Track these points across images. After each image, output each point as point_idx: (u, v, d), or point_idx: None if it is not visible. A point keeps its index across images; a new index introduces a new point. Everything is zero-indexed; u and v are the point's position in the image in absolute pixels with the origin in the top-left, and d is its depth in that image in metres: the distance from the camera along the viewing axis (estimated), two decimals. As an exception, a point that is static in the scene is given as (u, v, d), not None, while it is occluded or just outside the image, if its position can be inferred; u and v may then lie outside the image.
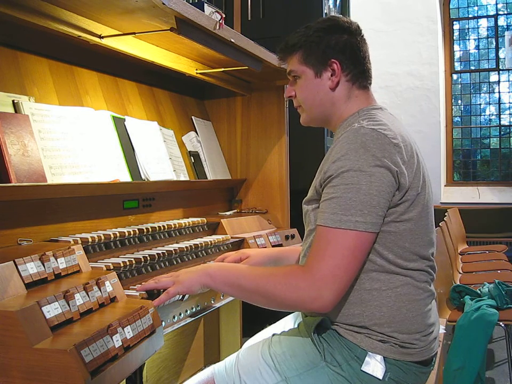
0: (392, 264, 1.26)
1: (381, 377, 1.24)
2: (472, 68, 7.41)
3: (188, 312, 1.60)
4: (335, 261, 1.18)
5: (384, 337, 1.26)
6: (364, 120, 1.30)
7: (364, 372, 1.25)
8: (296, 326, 1.44)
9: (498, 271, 3.85)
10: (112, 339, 1.05)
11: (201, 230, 2.04)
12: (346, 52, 1.37)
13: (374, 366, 1.25)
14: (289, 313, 1.66)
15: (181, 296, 1.47)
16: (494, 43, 7.24)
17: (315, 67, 1.38)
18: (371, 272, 1.26)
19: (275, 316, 1.68)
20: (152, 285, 1.38)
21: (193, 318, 1.63)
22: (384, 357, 1.25)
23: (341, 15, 1.41)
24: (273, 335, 1.40)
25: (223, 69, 2.19)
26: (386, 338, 1.26)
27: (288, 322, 1.60)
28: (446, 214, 4.46)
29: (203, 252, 1.88)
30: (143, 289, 1.37)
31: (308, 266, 1.21)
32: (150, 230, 1.72)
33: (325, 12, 3.23)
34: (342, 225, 1.18)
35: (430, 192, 1.34)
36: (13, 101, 1.46)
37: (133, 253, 1.65)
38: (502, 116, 7.24)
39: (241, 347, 1.54)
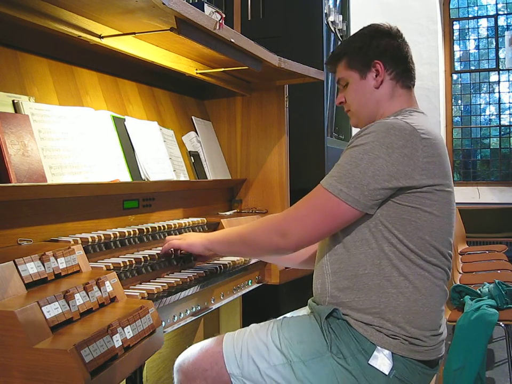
0: (412, 253, 1.29)
1: (387, 373, 1.25)
2: (472, 67, 7.41)
3: (188, 312, 1.60)
4: (308, 212, 1.33)
5: (396, 330, 1.27)
6: (402, 116, 1.37)
7: (370, 365, 1.26)
8: (308, 313, 1.45)
9: (498, 271, 3.85)
10: (112, 339, 1.05)
11: (201, 230, 2.04)
12: (388, 53, 1.47)
13: (382, 360, 1.26)
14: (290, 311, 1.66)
15: None
16: (494, 43, 7.25)
17: (360, 70, 1.48)
18: (392, 259, 1.29)
19: (276, 316, 1.68)
20: (166, 247, 1.62)
21: (193, 318, 1.63)
22: (392, 353, 1.26)
23: (382, 23, 1.54)
24: (284, 317, 1.43)
25: (223, 69, 2.18)
26: (397, 332, 1.27)
27: (299, 311, 1.61)
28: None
29: (203, 251, 1.88)
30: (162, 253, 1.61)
31: (289, 208, 1.39)
32: (150, 230, 1.71)
33: (325, 11, 3.22)
34: (329, 188, 1.31)
35: (454, 200, 1.38)
36: (13, 101, 1.46)
37: (133, 253, 1.64)
38: (502, 116, 7.25)
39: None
